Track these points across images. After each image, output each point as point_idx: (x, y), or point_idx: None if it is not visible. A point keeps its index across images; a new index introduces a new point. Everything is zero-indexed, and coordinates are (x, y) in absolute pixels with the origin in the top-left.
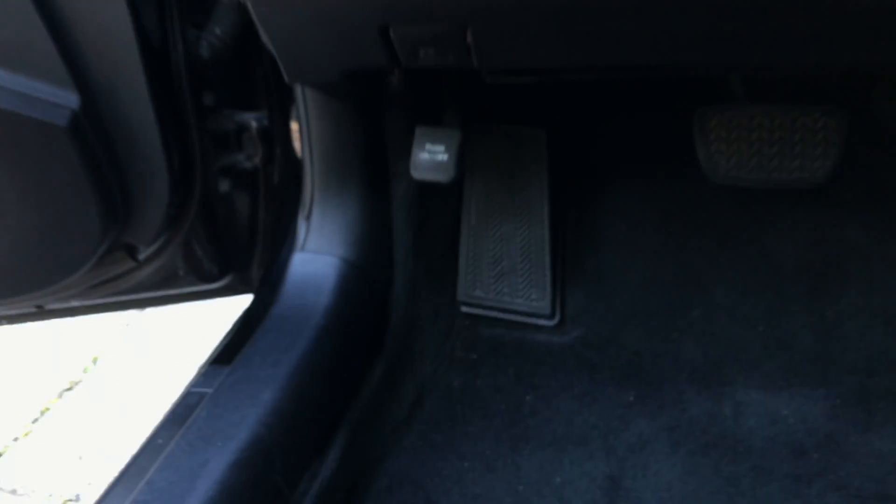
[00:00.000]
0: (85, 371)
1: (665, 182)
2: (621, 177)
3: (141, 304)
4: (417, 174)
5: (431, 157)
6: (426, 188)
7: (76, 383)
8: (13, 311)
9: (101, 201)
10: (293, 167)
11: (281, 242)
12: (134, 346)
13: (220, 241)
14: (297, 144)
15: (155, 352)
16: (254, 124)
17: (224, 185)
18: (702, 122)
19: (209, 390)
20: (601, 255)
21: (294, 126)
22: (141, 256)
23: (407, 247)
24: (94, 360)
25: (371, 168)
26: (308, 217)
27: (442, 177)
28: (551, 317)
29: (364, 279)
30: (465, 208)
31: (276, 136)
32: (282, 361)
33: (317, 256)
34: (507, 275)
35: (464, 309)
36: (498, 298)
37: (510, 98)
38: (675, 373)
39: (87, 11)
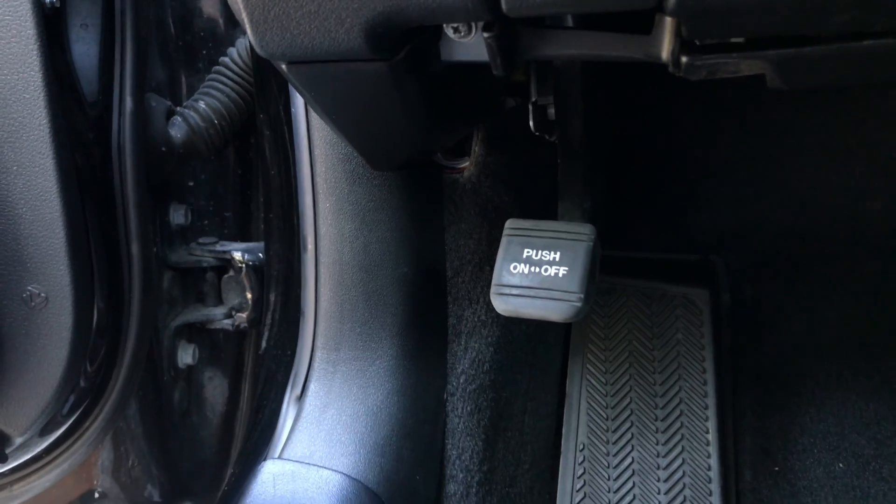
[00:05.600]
0: None
1: None
2: (833, 379)
3: None
4: (505, 305)
5: (535, 273)
6: (508, 354)
7: None
8: None
9: None
10: (293, 327)
11: (260, 446)
12: None
13: (169, 446)
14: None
15: None
16: (243, 259)
17: (185, 356)
18: None
19: None
20: None
21: None
22: (13, 450)
23: (468, 469)
24: None
25: (419, 309)
26: (301, 398)
27: (557, 311)
28: None
29: None
30: (569, 410)
31: (275, 277)
32: None
33: (303, 470)
34: None
35: None
36: None
37: (654, 230)
38: None
39: None
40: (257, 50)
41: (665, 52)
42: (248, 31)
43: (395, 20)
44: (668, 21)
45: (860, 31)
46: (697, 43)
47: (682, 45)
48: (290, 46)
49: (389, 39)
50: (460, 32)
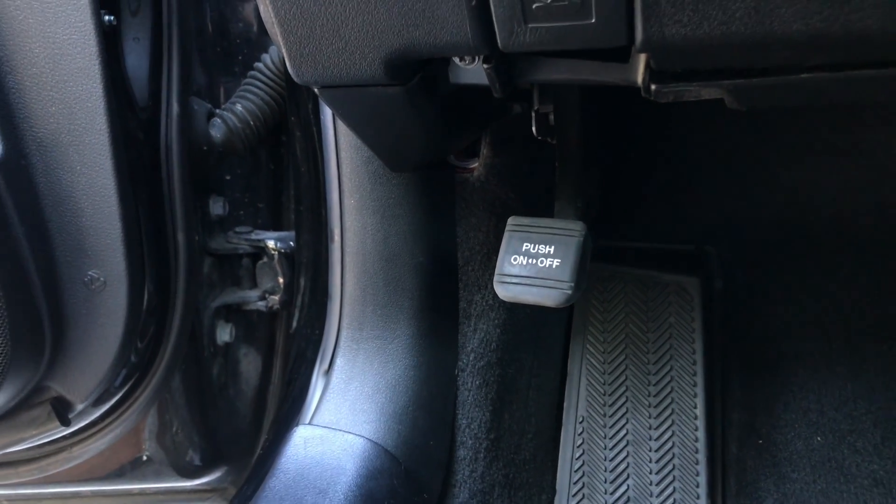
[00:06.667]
0: None
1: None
2: (815, 360)
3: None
4: (506, 292)
5: (532, 264)
6: (514, 335)
7: None
8: None
9: (9, 313)
10: (321, 309)
11: (292, 414)
12: None
13: (209, 416)
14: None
15: None
16: (276, 247)
17: (223, 334)
18: None
19: None
20: (787, 484)
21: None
22: (74, 415)
23: (476, 436)
24: None
25: (433, 294)
26: (328, 372)
27: (550, 298)
28: None
29: (401, 479)
30: (570, 386)
31: (304, 263)
32: None
33: (331, 434)
34: (636, 502)
35: None
36: None
37: (652, 222)
38: None
39: (38, 42)
40: (294, 77)
41: (639, 79)
42: (287, 62)
43: (409, 53)
44: (641, 55)
45: (799, 65)
46: (673, 71)
47: (652, 74)
48: (322, 75)
49: (405, 68)
50: (465, 61)
